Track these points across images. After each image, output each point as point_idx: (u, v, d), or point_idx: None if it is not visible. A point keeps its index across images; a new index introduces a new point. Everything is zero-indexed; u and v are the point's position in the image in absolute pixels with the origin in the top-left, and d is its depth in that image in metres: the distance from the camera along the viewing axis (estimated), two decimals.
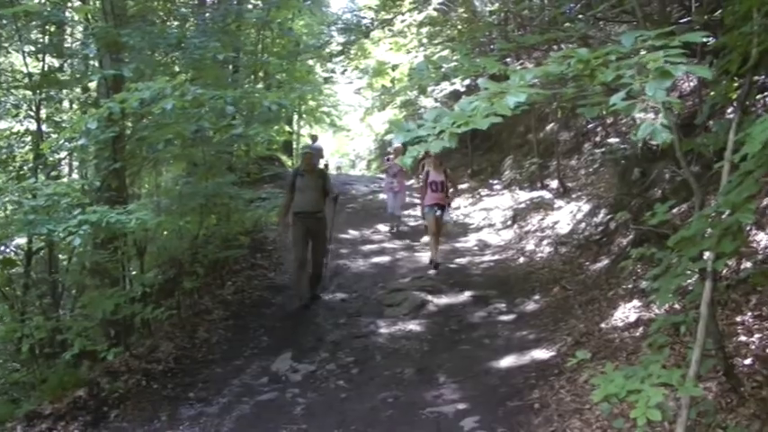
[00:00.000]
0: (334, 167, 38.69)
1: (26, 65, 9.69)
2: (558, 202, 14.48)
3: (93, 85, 11.76)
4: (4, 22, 9.22)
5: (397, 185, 16.16)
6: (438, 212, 12.33)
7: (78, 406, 7.33)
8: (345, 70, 23.48)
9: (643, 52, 2.86)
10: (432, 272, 12.05)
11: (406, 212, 17.52)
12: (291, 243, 10.98)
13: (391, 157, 17.44)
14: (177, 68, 10.47)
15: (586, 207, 12.94)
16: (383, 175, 20.37)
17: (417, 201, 15.43)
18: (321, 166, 19.83)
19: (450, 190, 12.93)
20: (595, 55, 2.93)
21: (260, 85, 17.21)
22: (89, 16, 10.18)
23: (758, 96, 6.46)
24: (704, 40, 3.71)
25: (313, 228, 10.59)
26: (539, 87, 3.33)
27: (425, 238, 13.23)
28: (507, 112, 2.75)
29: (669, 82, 2.58)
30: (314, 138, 21.08)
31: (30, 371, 8.72)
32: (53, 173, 10.06)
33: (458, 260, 12.71)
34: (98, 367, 8.33)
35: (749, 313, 6.08)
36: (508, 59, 18.21)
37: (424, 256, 13.08)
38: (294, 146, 31.71)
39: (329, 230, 11.29)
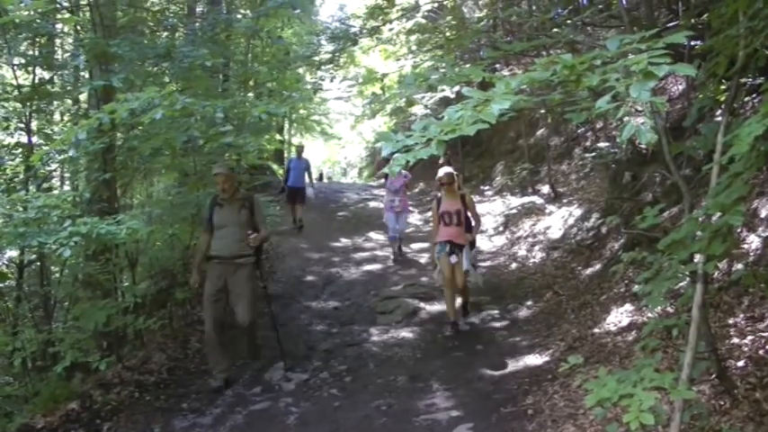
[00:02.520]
0: (325, 177, 38.74)
1: (16, 77, 9.66)
2: (550, 207, 14.52)
3: (83, 96, 11.73)
4: None
5: (400, 204, 13.74)
6: (452, 256, 9.12)
7: (71, 419, 7.28)
8: (334, 77, 23.49)
9: (631, 56, 2.87)
10: (449, 332, 9.14)
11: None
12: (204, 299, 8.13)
13: None
14: (167, 78, 10.46)
15: (578, 212, 12.98)
16: (381, 191, 19.28)
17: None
18: (315, 177, 19.47)
19: (473, 223, 9.70)
20: (581, 60, 2.94)
21: (250, 95, 17.18)
22: (78, 27, 10.17)
23: (746, 98, 6.50)
24: (687, 40, 3.72)
25: (233, 280, 7.96)
26: (527, 93, 3.35)
27: (436, 275, 9.50)
28: (492, 119, 2.77)
29: (653, 83, 2.60)
30: (300, 149, 19.07)
31: (22, 384, 8.67)
32: (44, 185, 10.04)
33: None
34: (90, 379, 8.29)
35: (741, 315, 6.09)
36: (497, 65, 18.29)
37: (417, 262, 13.09)
38: (285, 155, 31.69)
39: (261, 280, 8.54)
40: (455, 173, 9.44)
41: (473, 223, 9.68)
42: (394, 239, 14.06)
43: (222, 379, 7.83)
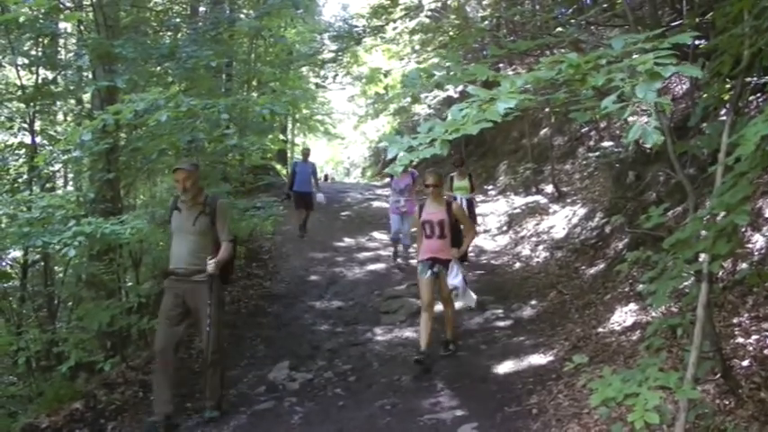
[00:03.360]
0: (329, 178, 38.72)
1: (19, 77, 9.68)
2: (554, 207, 14.51)
3: (86, 96, 11.75)
4: None
5: (405, 204, 12.67)
6: (429, 272, 7.90)
7: (75, 418, 7.30)
8: (337, 75, 23.51)
9: (635, 56, 2.87)
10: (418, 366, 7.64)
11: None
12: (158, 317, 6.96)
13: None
14: (170, 79, 10.47)
15: (581, 211, 12.96)
16: (386, 191, 17.80)
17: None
18: (320, 177, 18.92)
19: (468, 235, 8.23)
20: (586, 59, 2.94)
21: (254, 94, 17.20)
22: (82, 27, 10.17)
23: (751, 98, 6.49)
24: (693, 40, 3.71)
25: (192, 302, 6.73)
26: (531, 92, 3.34)
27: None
28: (498, 118, 2.77)
29: (659, 83, 2.59)
30: (306, 152, 17.43)
31: (26, 384, 8.70)
32: (48, 185, 10.06)
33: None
34: (95, 379, 8.30)
35: (746, 315, 6.08)
36: (501, 65, 18.28)
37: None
38: (288, 155, 31.72)
39: (216, 297, 6.75)
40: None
41: (466, 233, 8.15)
42: (396, 240, 13.31)
43: (163, 414, 6.60)
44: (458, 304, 8.41)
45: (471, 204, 12.98)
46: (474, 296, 8.19)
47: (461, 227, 8.13)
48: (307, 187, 16.03)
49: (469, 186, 13.17)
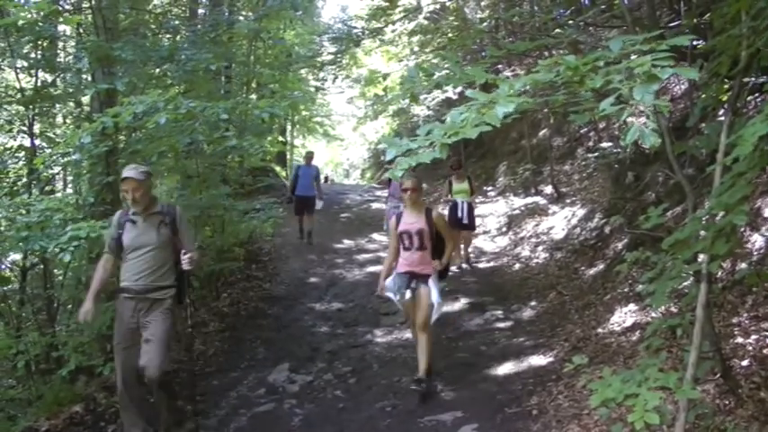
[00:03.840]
0: (329, 180, 38.68)
1: (18, 80, 9.68)
2: (553, 208, 14.52)
3: (86, 99, 11.75)
4: None
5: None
6: (407, 291, 7.10)
7: (75, 422, 7.29)
8: (336, 77, 23.51)
9: (634, 57, 2.87)
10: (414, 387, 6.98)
11: None
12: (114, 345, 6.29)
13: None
14: (170, 81, 10.47)
15: (581, 212, 12.97)
16: (386, 192, 16.76)
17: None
18: (322, 180, 18.58)
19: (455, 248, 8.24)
20: (584, 61, 2.94)
21: (253, 96, 17.21)
22: (81, 30, 10.18)
23: (749, 98, 6.49)
24: (691, 42, 3.72)
25: (145, 319, 6.05)
26: (529, 94, 3.34)
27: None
28: (497, 122, 2.77)
29: (656, 85, 2.60)
30: (309, 156, 16.82)
31: (25, 387, 8.67)
32: (47, 188, 10.05)
33: (453, 267, 12.67)
34: (94, 382, 8.28)
35: (745, 314, 6.09)
36: (500, 66, 18.30)
37: None
38: (288, 156, 31.72)
39: (171, 313, 6.17)
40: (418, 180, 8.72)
41: (447, 244, 7.35)
42: None
43: None
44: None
45: (471, 208, 12.71)
46: (438, 302, 7.13)
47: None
48: (309, 191, 15.67)
49: (469, 189, 12.86)
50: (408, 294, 7.06)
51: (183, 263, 6.04)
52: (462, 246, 12.78)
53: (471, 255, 13.42)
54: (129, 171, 6.07)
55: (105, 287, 6.33)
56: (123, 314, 6.11)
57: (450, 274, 10.97)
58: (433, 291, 7.02)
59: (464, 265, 12.76)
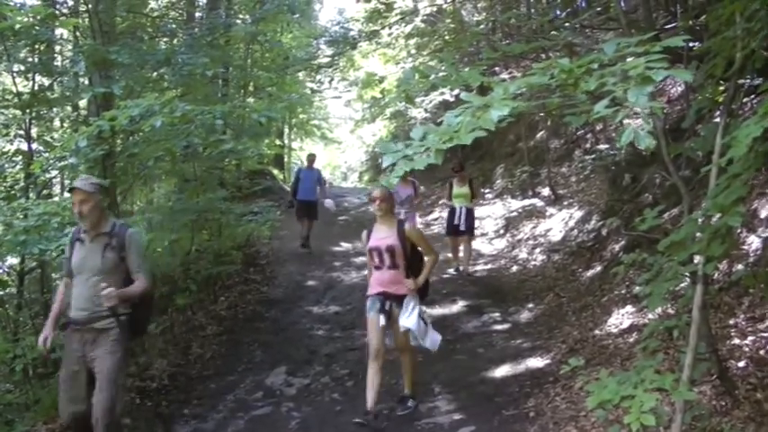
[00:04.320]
0: (327, 182, 38.63)
1: (15, 84, 9.68)
2: (550, 210, 14.52)
3: (83, 103, 11.75)
4: None
5: (406, 217, 11.24)
6: (381, 316, 6.40)
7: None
8: (332, 79, 23.52)
9: (628, 59, 2.88)
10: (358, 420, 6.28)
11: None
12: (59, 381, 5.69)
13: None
14: (166, 84, 10.48)
15: (578, 214, 12.97)
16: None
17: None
18: (326, 184, 18.32)
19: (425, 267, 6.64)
20: (578, 64, 2.94)
21: (250, 100, 17.21)
22: (77, 34, 10.18)
23: (744, 100, 6.51)
24: (685, 44, 3.73)
25: (92, 353, 5.36)
26: (525, 97, 3.34)
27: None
28: (491, 126, 2.76)
29: (651, 87, 2.60)
30: (311, 158, 15.96)
31: (23, 392, 8.66)
32: (44, 192, 10.05)
33: (450, 270, 12.68)
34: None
35: (742, 316, 6.11)
36: (496, 68, 18.31)
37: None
38: (285, 159, 31.71)
39: (120, 347, 5.43)
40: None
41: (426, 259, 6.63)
42: None
43: None
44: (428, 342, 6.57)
45: (471, 214, 12.31)
46: (438, 337, 6.66)
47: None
48: (311, 195, 15.00)
49: (470, 193, 12.39)
50: (382, 320, 6.36)
51: (103, 297, 5.11)
52: (462, 251, 12.49)
53: (472, 264, 12.85)
54: (77, 181, 5.48)
55: (65, 312, 5.66)
56: (69, 347, 5.52)
57: (446, 276, 10.99)
58: (410, 315, 6.28)
59: (461, 268, 12.46)
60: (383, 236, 6.49)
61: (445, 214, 13.14)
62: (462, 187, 12.37)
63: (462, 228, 12.06)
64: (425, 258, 6.62)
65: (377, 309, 6.41)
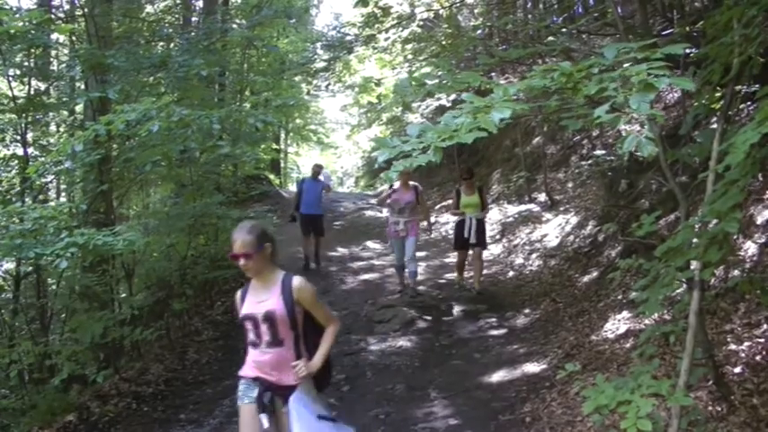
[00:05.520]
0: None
1: (11, 88, 9.67)
2: (547, 215, 14.51)
3: (79, 107, 11.74)
4: None
5: (405, 227, 10.70)
6: (263, 416, 4.28)
7: (68, 431, 7.27)
8: (329, 84, 23.52)
9: (627, 64, 2.88)
10: None
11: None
12: None
13: (396, 185, 10.76)
14: (163, 89, 10.47)
15: (574, 219, 12.98)
16: (384, 211, 14.19)
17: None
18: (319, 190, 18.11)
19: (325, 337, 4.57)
20: (578, 68, 2.95)
21: (246, 104, 17.21)
22: (74, 38, 10.18)
23: (741, 106, 6.52)
24: (685, 51, 3.73)
25: None
26: (523, 101, 3.34)
27: None
28: (493, 127, 2.74)
29: (653, 95, 2.60)
30: (316, 169, 14.49)
31: (19, 397, 8.65)
32: (40, 196, 10.03)
33: (447, 275, 12.67)
34: (88, 391, 8.27)
35: (738, 321, 6.10)
36: (493, 74, 18.34)
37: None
38: (282, 164, 31.70)
39: None
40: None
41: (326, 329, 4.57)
42: (400, 269, 11.31)
43: None
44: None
45: (482, 226, 11.18)
46: None
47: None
48: (316, 209, 13.92)
49: (480, 202, 11.20)
50: (265, 422, 4.26)
51: None
52: (470, 267, 11.64)
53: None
54: None
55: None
56: None
57: (442, 282, 10.89)
58: (306, 424, 4.12)
59: (469, 287, 11.51)
60: (260, 298, 4.51)
61: (441, 220, 13.02)
62: (471, 196, 11.21)
63: (473, 240, 10.93)
64: (326, 329, 4.56)
65: (253, 400, 4.46)
